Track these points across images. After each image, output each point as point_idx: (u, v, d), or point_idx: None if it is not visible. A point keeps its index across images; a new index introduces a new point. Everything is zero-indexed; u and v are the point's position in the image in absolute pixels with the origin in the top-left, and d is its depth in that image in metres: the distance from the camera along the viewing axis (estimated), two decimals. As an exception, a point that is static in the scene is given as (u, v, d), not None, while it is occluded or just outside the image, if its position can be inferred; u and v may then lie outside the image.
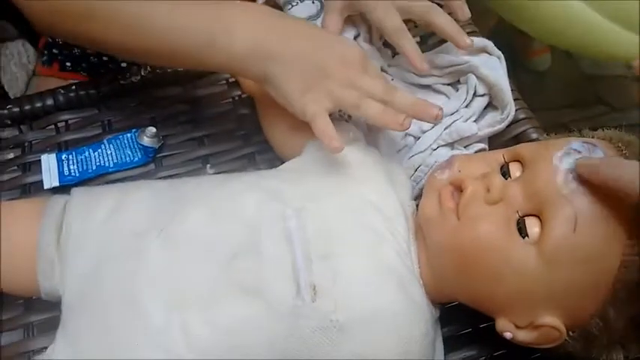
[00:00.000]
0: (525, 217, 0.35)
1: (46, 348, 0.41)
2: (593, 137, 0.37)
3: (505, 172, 0.37)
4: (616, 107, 1.23)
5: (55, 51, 0.71)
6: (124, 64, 0.69)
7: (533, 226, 0.34)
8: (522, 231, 0.34)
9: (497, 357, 0.44)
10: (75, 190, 0.44)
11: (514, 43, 1.21)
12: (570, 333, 0.35)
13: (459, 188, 0.37)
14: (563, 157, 0.35)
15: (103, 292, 0.38)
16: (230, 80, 0.57)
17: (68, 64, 0.71)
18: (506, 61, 0.56)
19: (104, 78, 0.57)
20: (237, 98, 0.57)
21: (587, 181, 0.33)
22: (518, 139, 0.51)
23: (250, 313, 0.35)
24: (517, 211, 0.35)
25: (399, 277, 0.37)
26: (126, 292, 0.37)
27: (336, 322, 0.35)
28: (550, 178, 0.34)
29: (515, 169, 0.37)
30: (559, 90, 1.24)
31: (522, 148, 0.38)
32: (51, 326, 0.43)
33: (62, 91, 0.56)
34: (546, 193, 0.34)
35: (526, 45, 1.22)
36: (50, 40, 0.71)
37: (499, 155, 0.38)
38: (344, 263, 0.36)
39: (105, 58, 0.70)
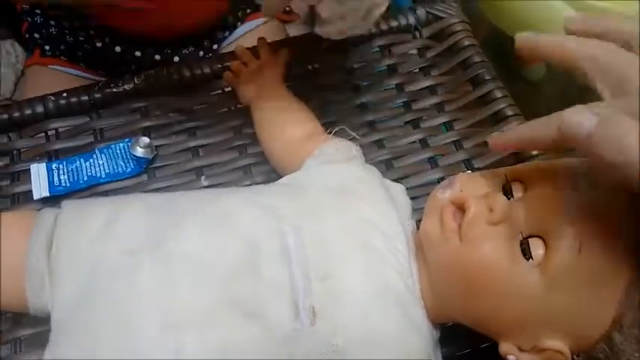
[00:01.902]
0: (529, 239, 0.34)
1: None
2: None
3: (507, 192, 0.37)
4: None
5: (35, 35, 0.70)
6: (99, 44, 0.68)
7: (537, 247, 0.34)
8: (526, 252, 0.34)
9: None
10: (66, 203, 0.43)
11: (508, 52, 1.21)
12: (575, 357, 0.34)
13: (461, 208, 0.36)
14: (566, 178, 0.34)
15: (94, 311, 0.37)
16: (226, 89, 0.56)
17: (47, 47, 0.70)
18: (500, 69, 0.56)
19: (95, 85, 0.55)
20: (233, 108, 0.56)
21: (593, 203, 0.33)
22: (519, 155, 0.51)
23: (247, 336, 0.34)
24: (521, 232, 0.34)
25: (400, 298, 0.36)
26: (118, 312, 0.36)
27: (336, 346, 0.34)
28: (554, 198, 0.34)
29: (517, 189, 0.37)
30: (553, 100, 1.24)
31: (524, 168, 0.37)
32: (40, 341, 0.41)
33: (52, 98, 0.54)
34: (550, 214, 0.34)
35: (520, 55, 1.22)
36: (29, 19, 0.70)
37: (501, 174, 0.38)
38: (343, 284, 0.36)
39: (81, 38, 0.69)
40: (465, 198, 0.36)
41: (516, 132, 0.33)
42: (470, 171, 0.46)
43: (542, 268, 0.33)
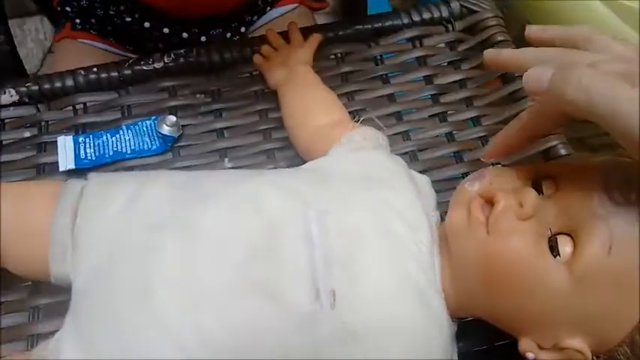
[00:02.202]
0: (557, 236, 0.34)
1: (51, 332, 0.40)
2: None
3: (537, 188, 0.36)
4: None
5: (67, 8, 0.71)
6: (128, 19, 0.69)
7: (565, 245, 0.33)
8: (554, 249, 0.33)
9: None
10: (92, 176, 0.43)
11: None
12: (594, 358, 0.34)
13: (489, 201, 0.36)
14: (599, 177, 0.33)
15: (115, 283, 0.37)
16: (254, 73, 0.56)
17: (78, 20, 0.71)
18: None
19: (126, 62, 0.56)
20: (260, 92, 0.56)
21: (625, 204, 0.32)
22: (547, 154, 0.50)
23: (266, 317, 0.34)
24: (549, 229, 0.34)
25: (421, 289, 0.36)
26: (139, 286, 0.36)
27: (353, 332, 0.34)
28: (586, 196, 0.33)
29: (548, 186, 0.36)
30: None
31: (557, 165, 0.37)
32: (57, 310, 0.42)
33: (82, 73, 0.55)
34: (581, 212, 0.33)
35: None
36: None
37: (532, 170, 0.37)
38: (365, 271, 0.35)
39: (112, 12, 0.69)
40: (494, 192, 0.35)
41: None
42: (498, 166, 0.45)
43: (569, 266, 0.33)
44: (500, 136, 0.39)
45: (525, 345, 0.35)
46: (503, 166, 0.40)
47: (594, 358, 0.34)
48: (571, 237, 0.33)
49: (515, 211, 0.34)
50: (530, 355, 0.35)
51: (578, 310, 0.33)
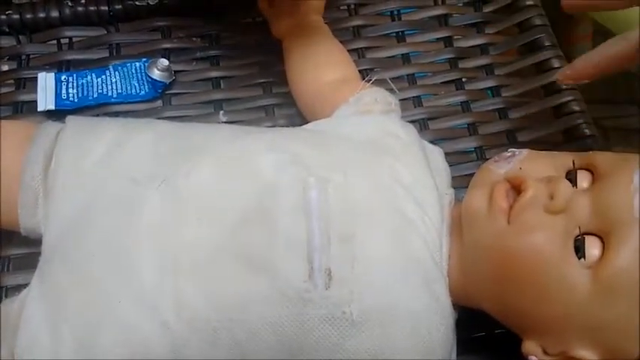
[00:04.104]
0: (586, 236, 0.30)
1: (22, 285, 0.37)
2: None
3: (571, 179, 0.32)
4: (648, 110, 1.17)
5: None
6: None
7: (593, 247, 0.30)
8: (579, 250, 0.30)
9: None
10: (70, 119, 0.39)
11: (555, 28, 1.14)
12: None
13: (517, 187, 0.32)
14: None
15: (89, 238, 0.34)
16: (257, 19, 0.51)
17: None
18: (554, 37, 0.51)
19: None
20: (262, 41, 0.51)
21: None
22: (570, 133, 0.46)
23: (252, 291, 0.31)
24: (578, 227, 0.30)
25: (425, 271, 0.33)
26: (115, 244, 0.33)
27: (350, 315, 0.31)
28: (626, 197, 0.30)
29: (583, 179, 0.32)
30: (592, 83, 1.17)
31: (597, 157, 0.33)
32: (30, 263, 0.39)
33: (70, 4, 0.50)
34: (618, 214, 0.29)
35: (570, 30, 1.15)
36: None
37: (568, 159, 0.33)
38: (366, 249, 0.32)
39: None
40: (523, 177, 0.32)
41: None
42: (513, 146, 0.42)
43: (594, 272, 0.30)
44: (582, 57, 0.36)
45: (529, 347, 0.33)
46: (535, 150, 0.36)
47: None
48: (601, 239, 0.30)
49: (544, 203, 0.31)
50: (532, 358, 0.32)
51: (595, 320, 0.30)
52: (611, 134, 1.11)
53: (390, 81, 0.43)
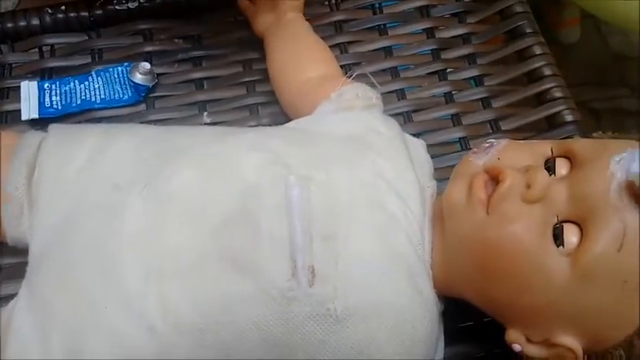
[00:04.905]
0: (564, 223, 0.30)
1: (12, 295, 0.37)
2: None
3: (549, 167, 0.33)
4: (638, 91, 1.17)
5: None
6: None
7: (571, 234, 0.30)
8: (558, 238, 0.30)
9: (498, 355, 0.40)
10: (53, 127, 0.39)
11: (544, 13, 1.13)
12: (586, 357, 0.31)
13: (495, 178, 0.32)
14: (622, 164, 0.30)
15: (74, 246, 0.34)
16: (239, 18, 0.51)
17: None
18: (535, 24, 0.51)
19: (97, 0, 0.50)
20: (244, 39, 0.51)
21: None
22: (552, 120, 0.46)
23: (237, 291, 0.31)
24: (556, 215, 0.30)
25: (408, 265, 0.33)
26: (99, 251, 0.33)
27: (334, 312, 0.31)
28: (603, 183, 0.30)
29: (561, 166, 0.32)
30: (583, 66, 1.17)
31: (575, 144, 0.33)
32: (19, 272, 0.39)
33: (50, 11, 0.50)
34: (595, 201, 0.30)
35: (556, 15, 1.14)
36: None
37: (546, 147, 0.33)
38: (348, 246, 0.32)
39: None
40: (501, 168, 0.32)
41: None
42: (498, 137, 0.42)
43: (572, 259, 0.30)
44: None
45: (513, 336, 0.33)
46: (514, 140, 0.36)
47: (586, 357, 0.31)
48: (579, 226, 0.30)
49: (522, 192, 0.31)
50: (516, 346, 0.33)
51: (576, 307, 0.30)
52: (603, 116, 1.11)
53: (371, 75, 0.43)
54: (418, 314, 0.32)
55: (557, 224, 0.30)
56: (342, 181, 0.34)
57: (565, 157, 0.33)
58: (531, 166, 0.32)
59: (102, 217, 0.34)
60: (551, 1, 1.07)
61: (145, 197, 0.34)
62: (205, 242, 0.32)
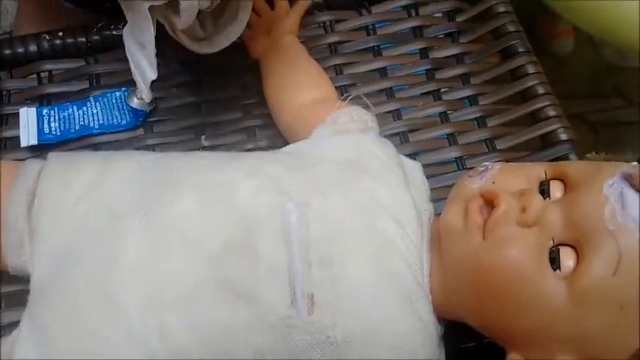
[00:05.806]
0: (560, 247, 0.31)
1: (14, 322, 0.37)
2: None
3: (544, 190, 0.33)
4: (633, 102, 1.18)
5: None
6: None
7: (567, 258, 0.30)
8: (554, 262, 0.30)
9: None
10: (52, 156, 0.40)
11: (537, 24, 1.14)
12: None
13: (490, 202, 0.32)
14: (615, 187, 0.30)
15: (74, 275, 0.34)
16: (235, 41, 0.51)
17: None
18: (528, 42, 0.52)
19: (94, 26, 0.51)
20: (241, 63, 0.51)
21: None
22: (547, 139, 0.47)
23: (237, 319, 0.32)
24: (552, 239, 0.31)
25: (407, 290, 0.33)
26: (100, 279, 0.33)
27: (334, 339, 0.31)
28: (597, 207, 0.30)
29: (555, 189, 0.33)
30: (577, 78, 1.18)
31: (569, 167, 0.33)
32: (22, 300, 0.39)
33: (47, 37, 0.50)
34: (590, 224, 0.30)
35: (549, 26, 1.15)
36: None
37: (540, 170, 0.34)
38: (346, 272, 0.32)
39: None
40: (496, 192, 0.32)
41: None
42: (494, 156, 0.42)
43: (569, 282, 0.30)
44: None
45: (513, 358, 0.33)
46: (509, 162, 0.36)
47: None
48: (575, 249, 0.30)
49: (517, 216, 0.31)
50: None
51: (575, 330, 0.30)
52: (598, 128, 1.12)
53: (365, 97, 0.44)
54: (417, 339, 0.33)
55: (553, 247, 0.31)
56: (339, 206, 0.34)
57: (559, 179, 0.33)
58: (526, 190, 0.32)
59: (102, 245, 0.34)
60: (544, 13, 1.08)
61: (144, 226, 0.34)
62: (204, 270, 0.33)
